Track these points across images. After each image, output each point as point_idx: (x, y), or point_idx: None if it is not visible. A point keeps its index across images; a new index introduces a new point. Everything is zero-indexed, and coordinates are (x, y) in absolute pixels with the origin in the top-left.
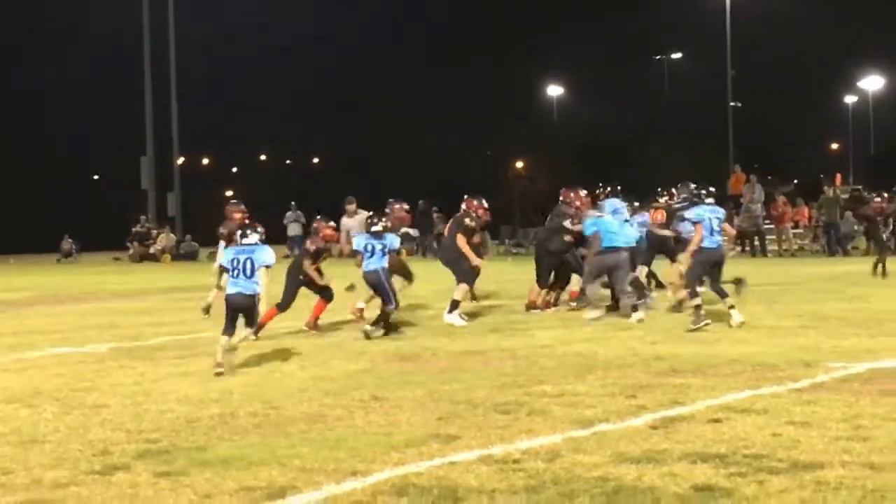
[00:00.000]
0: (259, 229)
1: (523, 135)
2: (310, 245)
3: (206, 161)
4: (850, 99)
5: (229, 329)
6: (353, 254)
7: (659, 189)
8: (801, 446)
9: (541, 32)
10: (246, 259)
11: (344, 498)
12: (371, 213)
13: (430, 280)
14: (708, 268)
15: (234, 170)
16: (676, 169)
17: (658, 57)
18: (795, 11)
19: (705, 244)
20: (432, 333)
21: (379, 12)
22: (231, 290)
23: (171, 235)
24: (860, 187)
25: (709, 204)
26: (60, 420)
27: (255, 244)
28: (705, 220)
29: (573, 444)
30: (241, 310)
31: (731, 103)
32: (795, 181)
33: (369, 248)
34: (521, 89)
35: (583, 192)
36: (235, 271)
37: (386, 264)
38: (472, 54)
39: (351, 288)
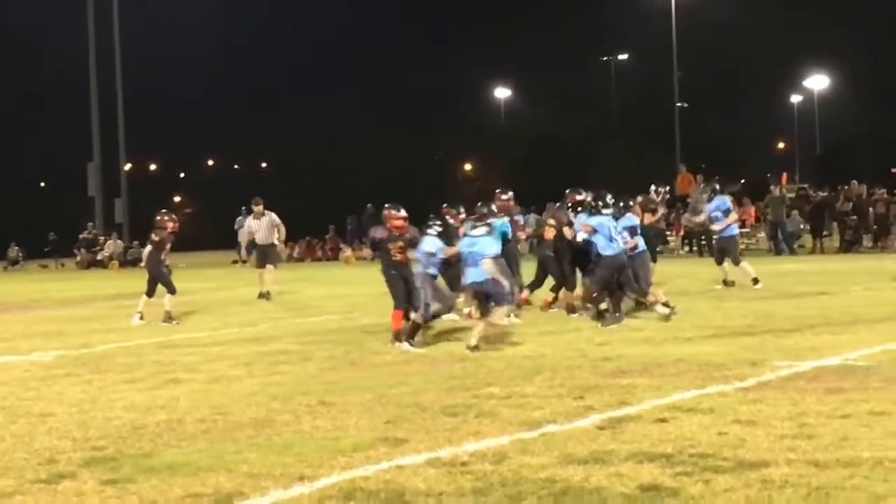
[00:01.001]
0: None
1: (471, 137)
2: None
3: (153, 167)
4: (795, 98)
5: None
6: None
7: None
8: (746, 445)
9: (488, 34)
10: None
11: (291, 503)
12: (474, 215)
13: (374, 283)
14: (614, 273)
15: (182, 175)
16: (624, 169)
17: (605, 58)
18: (741, 12)
19: (606, 252)
20: (379, 337)
21: (328, 13)
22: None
23: (119, 242)
24: (806, 186)
25: (605, 214)
26: (6, 429)
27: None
28: (604, 228)
29: (521, 445)
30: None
31: (678, 104)
32: (742, 180)
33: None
34: (468, 92)
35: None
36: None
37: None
38: (421, 56)
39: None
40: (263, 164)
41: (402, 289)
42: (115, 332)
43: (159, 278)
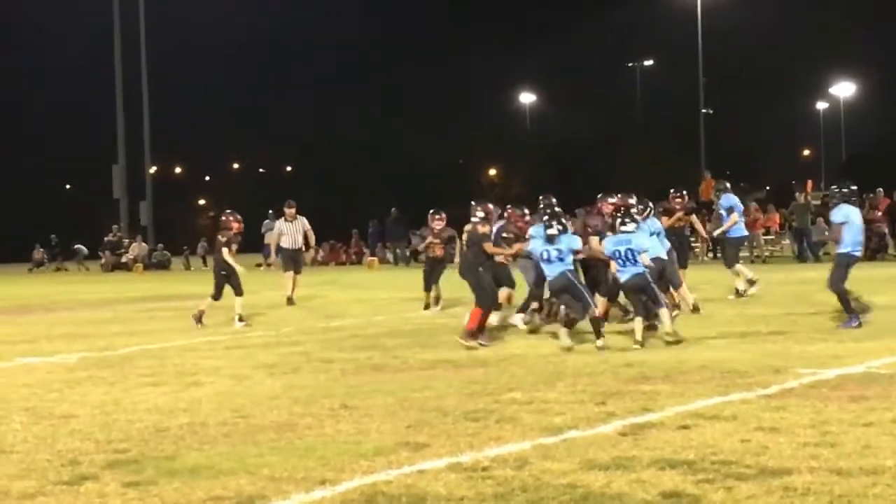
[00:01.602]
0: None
1: (496, 142)
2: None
3: (178, 170)
4: (821, 105)
5: None
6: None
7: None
8: (769, 452)
9: (513, 39)
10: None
11: None
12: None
13: (397, 288)
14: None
15: (207, 178)
16: (648, 175)
17: (630, 64)
18: (767, 18)
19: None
20: (401, 341)
21: (352, 17)
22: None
23: (143, 245)
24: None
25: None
26: (28, 430)
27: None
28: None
29: (542, 451)
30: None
31: (703, 110)
32: (767, 187)
33: (546, 254)
34: (493, 96)
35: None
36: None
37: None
38: (445, 60)
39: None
40: (288, 168)
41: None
42: (138, 334)
43: (226, 281)
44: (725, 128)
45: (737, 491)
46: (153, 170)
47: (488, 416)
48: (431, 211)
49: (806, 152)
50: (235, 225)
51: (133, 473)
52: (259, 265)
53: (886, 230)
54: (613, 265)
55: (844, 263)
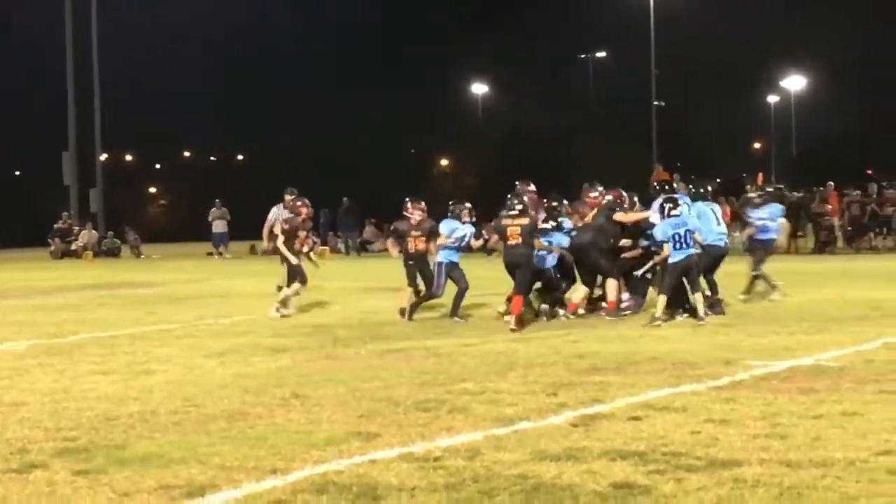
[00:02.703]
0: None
1: (448, 132)
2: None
3: (129, 158)
4: (772, 98)
5: None
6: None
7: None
8: (719, 444)
9: (464, 30)
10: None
11: (263, 496)
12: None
13: (349, 278)
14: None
15: (158, 166)
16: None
17: (583, 56)
18: (720, 11)
19: None
20: (353, 331)
21: (300, 8)
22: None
23: (94, 232)
24: (781, 186)
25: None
26: None
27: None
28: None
29: (494, 441)
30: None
31: (655, 102)
32: (718, 180)
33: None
34: (445, 87)
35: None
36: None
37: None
38: (397, 52)
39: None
40: (240, 157)
41: (416, 277)
42: (88, 322)
43: (292, 267)
44: (677, 120)
45: (687, 482)
46: (104, 157)
47: (440, 406)
48: (408, 199)
49: (757, 145)
50: (304, 210)
51: (83, 462)
52: (210, 253)
53: (836, 223)
54: (667, 248)
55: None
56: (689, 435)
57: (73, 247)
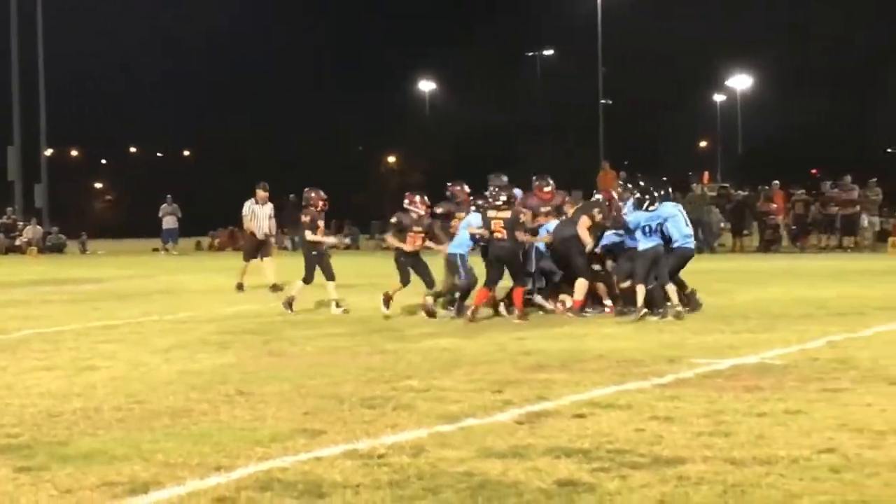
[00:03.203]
0: None
1: (396, 130)
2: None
3: (74, 153)
4: (718, 97)
5: None
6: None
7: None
8: (663, 441)
9: (413, 27)
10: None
11: (207, 493)
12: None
13: (296, 274)
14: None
15: (103, 162)
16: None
17: (530, 54)
18: (668, 10)
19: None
20: (299, 328)
21: (249, 9)
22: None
23: (38, 228)
24: (727, 185)
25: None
26: None
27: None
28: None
29: (439, 438)
30: None
31: (602, 100)
32: (664, 178)
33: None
34: (392, 84)
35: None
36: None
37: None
38: (345, 48)
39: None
40: (186, 153)
41: (409, 273)
42: (32, 318)
43: (317, 262)
44: (624, 118)
45: (631, 479)
46: (49, 152)
47: (385, 403)
48: (409, 193)
49: (703, 144)
50: (321, 202)
51: (25, 458)
52: (156, 249)
53: (781, 222)
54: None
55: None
56: (634, 432)
57: (18, 242)
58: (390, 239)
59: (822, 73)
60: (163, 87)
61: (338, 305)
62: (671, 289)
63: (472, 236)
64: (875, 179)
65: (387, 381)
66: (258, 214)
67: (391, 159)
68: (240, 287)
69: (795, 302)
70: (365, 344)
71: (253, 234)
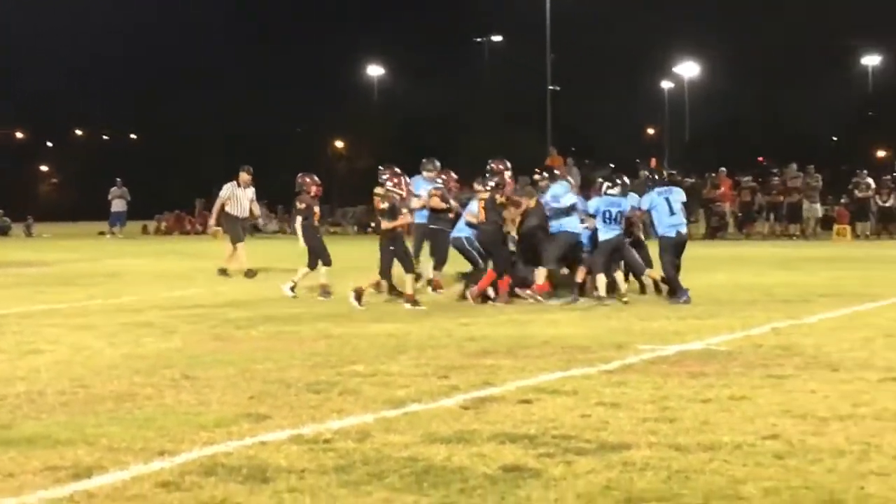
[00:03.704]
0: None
1: (343, 114)
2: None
3: (19, 135)
4: (666, 84)
5: None
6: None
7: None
8: (609, 427)
9: (361, 11)
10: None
11: (151, 477)
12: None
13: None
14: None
15: (49, 144)
16: (497, 151)
17: (479, 39)
18: None
19: None
20: (245, 312)
21: None
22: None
23: None
24: (674, 172)
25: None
26: None
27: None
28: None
29: (384, 424)
30: None
31: (550, 87)
32: (612, 165)
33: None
34: (341, 69)
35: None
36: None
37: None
38: (291, 32)
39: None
40: (133, 136)
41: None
42: None
43: (316, 249)
44: (573, 105)
45: (576, 465)
46: None
47: (331, 388)
48: (391, 174)
49: (651, 131)
50: (314, 188)
51: None
52: (102, 233)
53: (727, 209)
54: (592, 222)
55: (666, 247)
56: (580, 418)
57: None
58: (387, 224)
59: (769, 61)
60: (108, 70)
61: (327, 292)
62: (601, 280)
63: (469, 223)
64: (812, 166)
65: (333, 366)
66: (239, 197)
67: (339, 144)
68: (250, 273)
69: (741, 288)
70: (311, 329)
71: (230, 216)
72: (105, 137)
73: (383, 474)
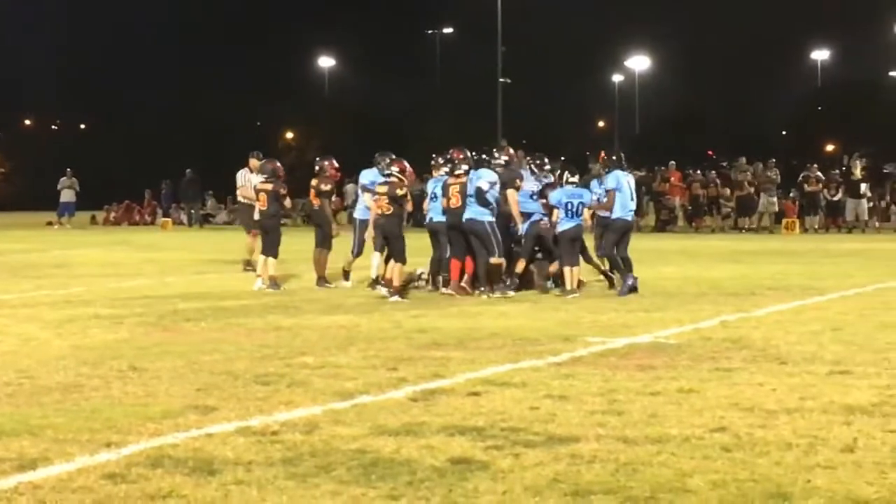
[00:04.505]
0: None
1: (293, 106)
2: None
3: None
4: (617, 78)
5: None
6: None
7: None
8: (557, 420)
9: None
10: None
11: (97, 469)
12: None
13: (190, 249)
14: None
15: None
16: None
17: (430, 31)
18: None
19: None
20: (193, 303)
21: None
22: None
23: None
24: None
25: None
26: None
27: None
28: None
29: (332, 415)
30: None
31: (501, 79)
32: (563, 158)
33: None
34: (291, 60)
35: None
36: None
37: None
38: (244, 24)
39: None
40: (82, 126)
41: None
42: None
43: (326, 229)
44: (523, 97)
45: (525, 457)
46: None
47: (279, 380)
48: (396, 161)
49: (601, 124)
50: (333, 171)
51: None
52: (50, 223)
53: (677, 203)
54: (557, 213)
55: (616, 229)
56: (528, 410)
57: None
58: (398, 210)
59: (719, 55)
60: (57, 59)
61: (276, 284)
62: (569, 273)
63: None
64: (773, 160)
65: (281, 357)
66: (253, 183)
67: (289, 135)
68: (248, 265)
69: (689, 282)
70: (261, 320)
71: (244, 204)
72: (54, 127)
73: (331, 466)
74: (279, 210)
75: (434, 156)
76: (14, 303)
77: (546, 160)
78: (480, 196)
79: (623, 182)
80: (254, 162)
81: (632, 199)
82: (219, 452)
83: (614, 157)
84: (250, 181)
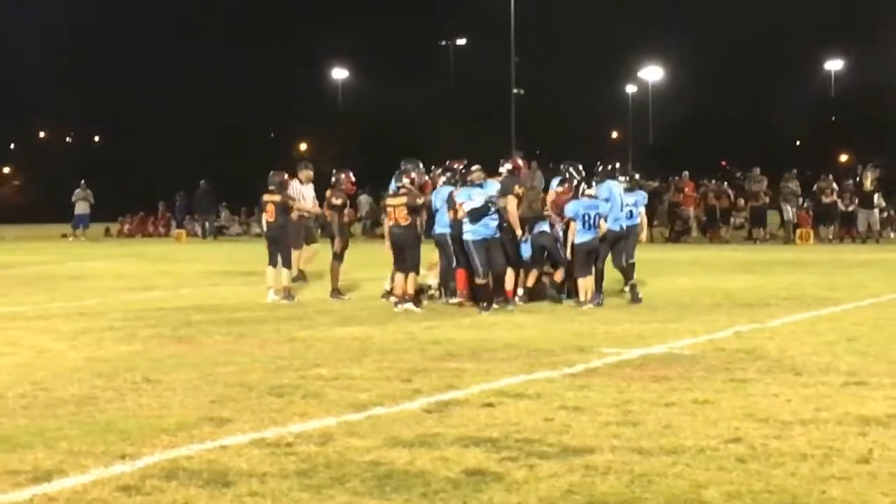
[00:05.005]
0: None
1: (308, 117)
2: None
3: None
4: (630, 88)
5: None
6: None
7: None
8: (571, 431)
9: (327, 14)
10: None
11: (112, 482)
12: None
13: (204, 261)
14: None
15: (12, 146)
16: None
17: (443, 42)
18: (581, 1)
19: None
20: (207, 315)
21: None
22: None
23: None
24: (637, 175)
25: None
26: None
27: None
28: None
29: (347, 427)
30: None
31: (515, 90)
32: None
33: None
34: (306, 72)
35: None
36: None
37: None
38: (259, 35)
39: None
40: (96, 138)
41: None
42: None
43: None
44: (537, 108)
45: (539, 469)
46: None
47: (293, 391)
48: (406, 173)
49: (615, 134)
50: (349, 184)
51: None
52: (65, 235)
53: (691, 213)
54: (574, 226)
55: (607, 241)
56: (543, 422)
57: None
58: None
59: (732, 66)
60: (58, 59)
61: (290, 295)
62: (582, 284)
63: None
64: (795, 171)
65: (296, 369)
66: (305, 195)
67: (303, 147)
68: (301, 275)
69: (704, 293)
70: (275, 332)
71: (301, 216)
72: (68, 140)
73: (345, 478)
74: (287, 221)
75: (433, 167)
76: (29, 315)
77: (580, 167)
78: (472, 214)
79: (615, 193)
80: (306, 173)
81: (621, 210)
82: (233, 464)
83: (609, 168)
84: (301, 193)
